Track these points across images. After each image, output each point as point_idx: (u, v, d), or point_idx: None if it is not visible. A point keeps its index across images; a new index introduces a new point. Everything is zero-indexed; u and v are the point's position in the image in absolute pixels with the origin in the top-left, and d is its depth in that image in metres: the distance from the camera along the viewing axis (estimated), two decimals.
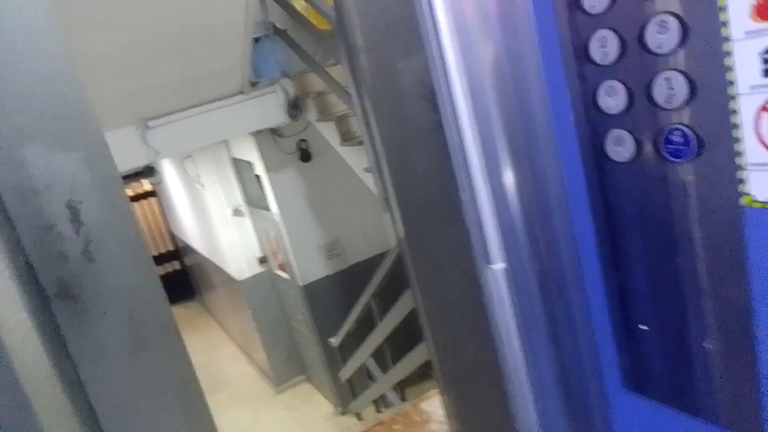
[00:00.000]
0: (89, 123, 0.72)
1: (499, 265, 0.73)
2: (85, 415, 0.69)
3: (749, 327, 0.64)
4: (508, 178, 0.74)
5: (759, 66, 0.52)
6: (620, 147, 0.69)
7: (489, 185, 0.71)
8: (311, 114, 4.03)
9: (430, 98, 0.73)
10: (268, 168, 4.78)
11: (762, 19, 0.51)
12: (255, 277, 5.79)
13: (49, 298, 0.68)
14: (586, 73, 0.69)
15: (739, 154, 0.57)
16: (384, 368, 4.00)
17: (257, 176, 5.03)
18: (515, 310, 0.78)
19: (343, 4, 0.82)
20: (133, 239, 0.74)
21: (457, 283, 0.87)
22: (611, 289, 0.79)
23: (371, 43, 0.80)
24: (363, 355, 4.13)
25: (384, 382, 3.91)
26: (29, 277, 0.66)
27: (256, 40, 3.84)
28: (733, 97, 0.56)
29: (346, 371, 4.64)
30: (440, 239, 0.86)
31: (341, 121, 3.73)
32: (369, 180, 3.60)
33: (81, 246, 0.70)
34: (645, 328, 0.76)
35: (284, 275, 5.43)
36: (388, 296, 3.50)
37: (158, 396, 0.77)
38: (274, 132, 4.68)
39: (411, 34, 0.72)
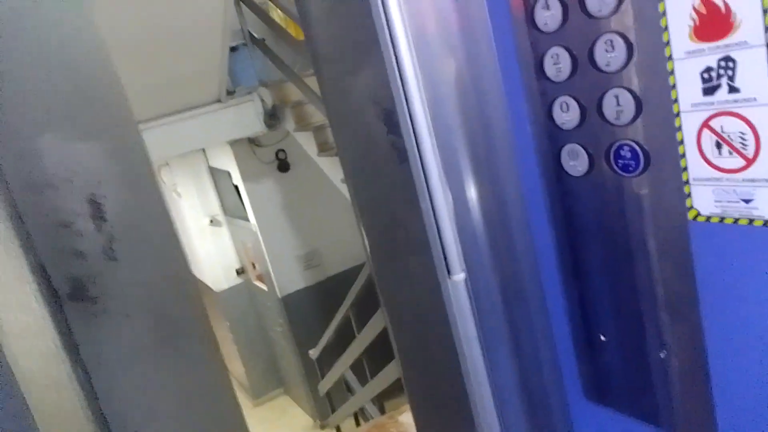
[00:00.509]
0: (118, 110, 0.65)
1: (459, 276, 0.74)
2: (98, 427, 0.64)
3: (700, 337, 0.66)
4: (469, 190, 0.75)
5: (699, 85, 0.54)
6: (575, 161, 0.70)
7: (449, 197, 0.72)
8: (289, 124, 4.02)
9: (389, 112, 0.74)
10: (246, 178, 4.75)
11: (701, 39, 0.52)
12: (232, 289, 5.73)
13: (61, 299, 0.62)
14: (541, 89, 0.71)
15: (684, 169, 0.59)
16: (363, 381, 3.97)
17: (235, 186, 4.99)
18: (476, 320, 0.79)
19: (308, 16, 0.82)
20: (164, 236, 0.68)
21: (422, 297, 0.87)
22: (571, 300, 0.81)
23: (332, 55, 0.81)
24: (341, 367, 4.09)
25: (363, 395, 3.87)
26: (40, 277, 0.60)
27: (234, 49, 3.83)
28: (677, 114, 0.57)
29: (325, 384, 4.59)
30: (404, 254, 0.86)
31: (319, 131, 3.73)
32: (346, 190, 3.60)
33: (102, 244, 0.63)
34: (604, 338, 0.77)
35: (262, 286, 5.38)
36: (366, 308, 3.48)
37: (185, 405, 0.71)
38: (252, 141, 4.66)
39: (372, 48, 0.73)
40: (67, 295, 0.63)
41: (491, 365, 0.82)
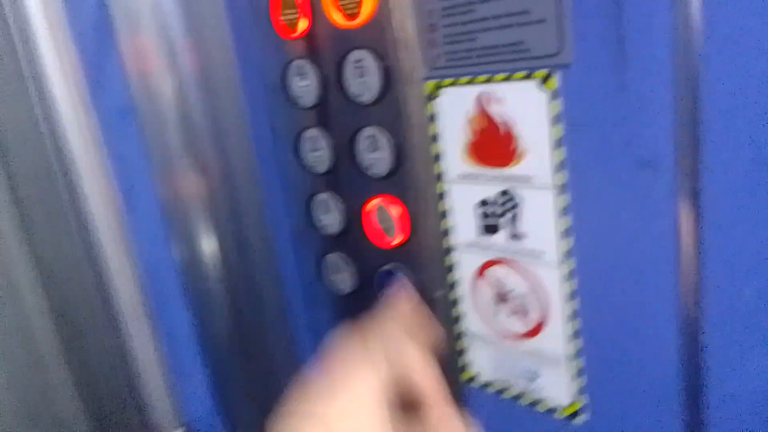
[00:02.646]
0: None
1: None
2: None
3: None
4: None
5: (476, 219, 0.39)
6: (339, 274, 0.53)
7: None
8: None
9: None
10: None
11: (478, 161, 0.38)
12: None
13: None
14: (301, 180, 0.53)
15: (456, 320, 0.44)
16: None
17: None
18: None
19: None
20: None
21: None
22: None
23: None
24: None
25: None
26: None
27: None
28: (447, 251, 0.42)
29: None
30: None
31: None
32: None
33: None
34: None
35: None
36: None
37: None
38: None
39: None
40: None
41: None
